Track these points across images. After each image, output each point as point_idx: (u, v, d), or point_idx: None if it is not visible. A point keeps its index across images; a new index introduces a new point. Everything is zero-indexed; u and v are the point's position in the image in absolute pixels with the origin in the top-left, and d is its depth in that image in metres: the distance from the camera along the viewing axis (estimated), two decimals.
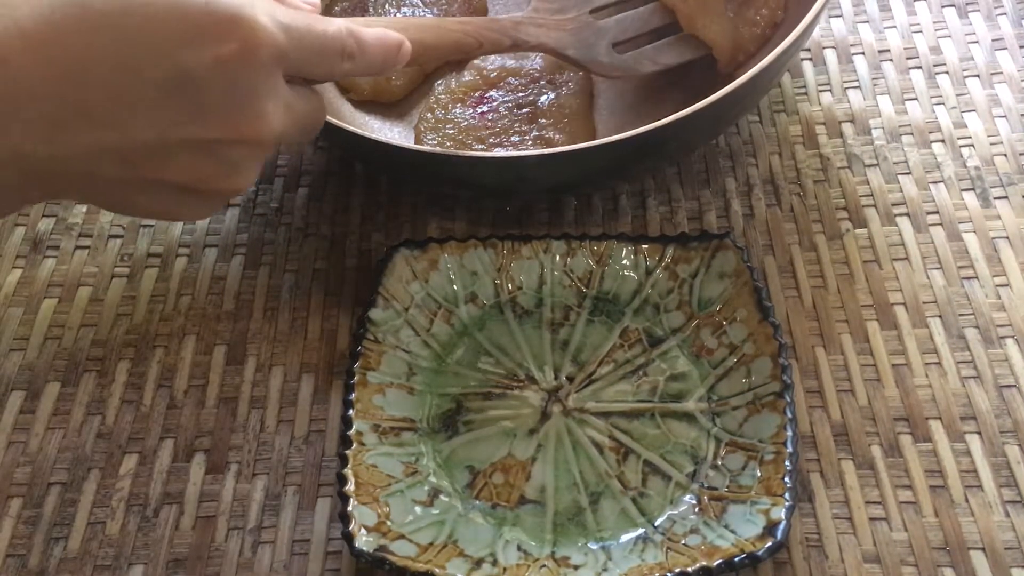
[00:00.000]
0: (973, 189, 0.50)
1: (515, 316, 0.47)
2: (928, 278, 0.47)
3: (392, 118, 0.55)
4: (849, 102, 0.54)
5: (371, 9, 0.57)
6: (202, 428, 0.45)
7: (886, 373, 0.45)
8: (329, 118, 0.45)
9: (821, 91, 0.55)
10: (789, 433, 0.40)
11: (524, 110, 0.52)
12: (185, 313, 0.49)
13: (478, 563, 0.39)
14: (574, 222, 0.51)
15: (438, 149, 0.50)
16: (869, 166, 0.52)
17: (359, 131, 0.47)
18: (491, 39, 0.47)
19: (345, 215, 0.52)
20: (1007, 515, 0.40)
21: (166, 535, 0.42)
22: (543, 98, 0.53)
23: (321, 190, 0.53)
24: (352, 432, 0.41)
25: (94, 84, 0.33)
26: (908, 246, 0.49)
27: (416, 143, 0.52)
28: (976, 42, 0.56)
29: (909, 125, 0.53)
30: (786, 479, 0.39)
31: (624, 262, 0.47)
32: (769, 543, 0.38)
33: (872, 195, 0.51)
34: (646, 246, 0.47)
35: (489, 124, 0.52)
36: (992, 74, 0.55)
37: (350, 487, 0.40)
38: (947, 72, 0.55)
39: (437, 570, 0.38)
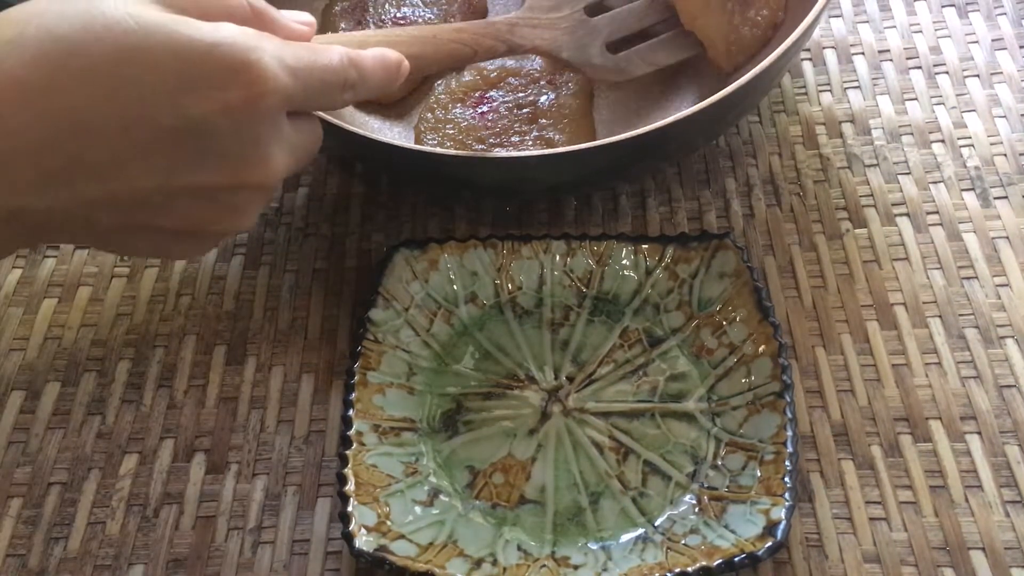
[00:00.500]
0: (973, 189, 0.50)
1: (515, 316, 0.47)
2: (928, 278, 0.47)
3: (392, 118, 0.55)
4: (849, 102, 0.54)
5: (371, 8, 0.58)
6: (202, 428, 0.45)
7: (886, 373, 0.45)
8: (329, 118, 0.45)
9: (821, 91, 0.55)
10: (789, 433, 0.40)
11: (524, 110, 0.52)
12: (185, 313, 0.49)
13: (478, 563, 0.39)
14: (574, 222, 0.51)
15: (438, 149, 0.50)
16: (869, 166, 0.52)
17: (359, 131, 0.47)
18: (486, 46, 0.47)
19: (345, 215, 0.52)
20: (1007, 515, 0.40)
21: (166, 535, 0.42)
22: (543, 98, 0.53)
23: (321, 190, 0.53)
24: (352, 432, 0.41)
25: (94, 135, 0.32)
26: (908, 246, 0.49)
27: (416, 143, 0.52)
28: (976, 42, 0.56)
29: (909, 125, 0.53)
30: (786, 479, 0.39)
31: (624, 262, 0.47)
32: (769, 543, 0.38)
33: (872, 195, 0.51)
34: (646, 246, 0.47)
35: (489, 124, 0.52)
36: (992, 74, 0.55)
37: (350, 487, 0.40)
38: (947, 72, 0.55)
39: (437, 570, 0.38)
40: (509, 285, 0.47)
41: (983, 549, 0.40)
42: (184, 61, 0.33)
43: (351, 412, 0.42)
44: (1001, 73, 0.54)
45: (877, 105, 0.54)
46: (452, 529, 0.40)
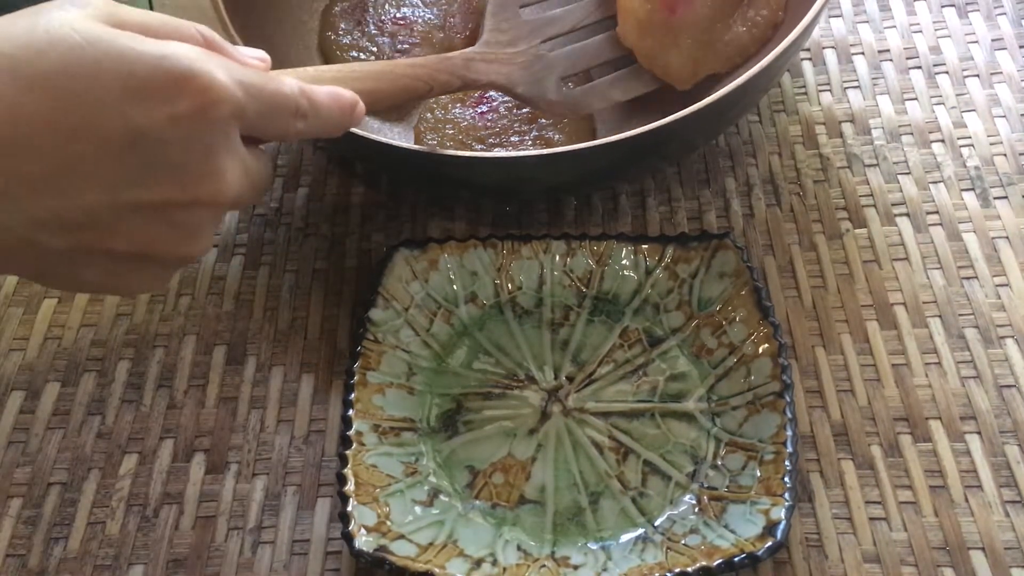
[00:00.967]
0: (973, 189, 0.50)
1: (515, 316, 0.47)
2: (928, 278, 0.47)
3: (392, 118, 0.55)
4: (849, 102, 0.54)
5: (371, 8, 0.58)
6: (202, 428, 0.45)
7: (886, 373, 0.45)
8: None
9: (821, 91, 0.55)
10: (789, 433, 0.40)
11: (524, 110, 0.52)
12: (185, 313, 0.49)
13: (478, 563, 0.39)
14: (574, 222, 0.51)
15: (438, 149, 0.50)
16: (869, 166, 0.52)
17: (359, 131, 0.47)
18: (441, 81, 0.46)
19: (345, 215, 0.52)
20: (1007, 515, 0.40)
21: (166, 535, 0.42)
22: None
23: (321, 190, 0.53)
24: (352, 432, 0.41)
25: (37, 150, 0.31)
26: (908, 246, 0.49)
27: (416, 143, 0.52)
28: (976, 42, 0.56)
29: (909, 125, 0.53)
30: (786, 479, 0.39)
31: (624, 262, 0.47)
32: (769, 543, 0.38)
33: (872, 195, 0.51)
34: (646, 246, 0.47)
35: (489, 124, 0.52)
36: (992, 74, 0.55)
37: (350, 487, 0.40)
38: (947, 72, 0.55)
39: (437, 570, 0.38)
40: (509, 285, 0.47)
41: (983, 549, 0.40)
42: (131, 72, 0.32)
43: (351, 412, 0.42)
44: (1001, 73, 0.55)
45: (877, 105, 0.54)
46: (452, 529, 0.40)
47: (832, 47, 0.57)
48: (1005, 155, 0.51)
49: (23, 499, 0.43)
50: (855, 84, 0.55)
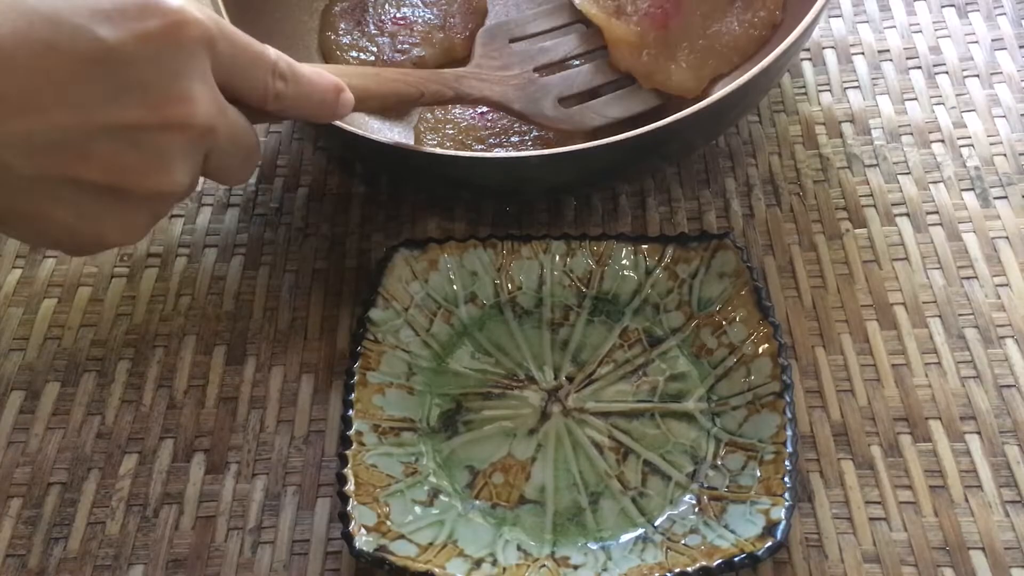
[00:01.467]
0: (973, 189, 0.50)
1: (515, 316, 0.47)
2: (928, 278, 0.47)
3: (392, 118, 0.55)
4: (849, 102, 0.54)
5: (371, 8, 0.58)
6: (202, 428, 0.45)
7: (886, 373, 0.45)
8: None
9: (821, 91, 0.55)
10: (789, 433, 0.40)
11: None
12: (185, 313, 0.49)
13: (478, 563, 0.39)
14: (574, 222, 0.51)
15: (438, 149, 0.50)
16: (869, 166, 0.52)
17: (359, 131, 0.47)
18: (432, 90, 0.46)
19: (345, 215, 0.52)
20: (1007, 515, 0.40)
21: (166, 535, 0.42)
22: None
23: (321, 190, 0.53)
24: (352, 432, 0.41)
25: (5, 67, 0.31)
26: (908, 246, 0.49)
27: (416, 143, 0.52)
28: (976, 42, 0.56)
29: (909, 125, 0.53)
30: (786, 479, 0.39)
31: (624, 262, 0.47)
32: (769, 543, 0.38)
33: (872, 195, 0.51)
34: (646, 246, 0.47)
35: (489, 124, 0.52)
36: (992, 74, 0.55)
37: (350, 487, 0.40)
38: (947, 72, 0.55)
39: (437, 570, 0.38)
40: (509, 285, 0.47)
41: (983, 549, 0.40)
42: None
43: (351, 412, 0.42)
44: (1001, 73, 0.55)
45: (877, 105, 0.54)
46: (452, 529, 0.40)
47: (832, 47, 0.57)
48: (1005, 155, 0.51)
49: (23, 499, 0.43)
50: (855, 84, 0.55)
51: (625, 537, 0.40)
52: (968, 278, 0.47)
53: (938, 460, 0.42)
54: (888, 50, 0.56)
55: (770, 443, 0.41)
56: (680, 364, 0.45)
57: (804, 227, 0.50)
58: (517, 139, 0.51)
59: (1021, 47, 0.56)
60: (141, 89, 0.33)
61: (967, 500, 0.41)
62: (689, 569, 0.37)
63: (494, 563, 0.39)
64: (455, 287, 0.47)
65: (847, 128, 0.53)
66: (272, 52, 0.38)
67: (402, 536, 0.39)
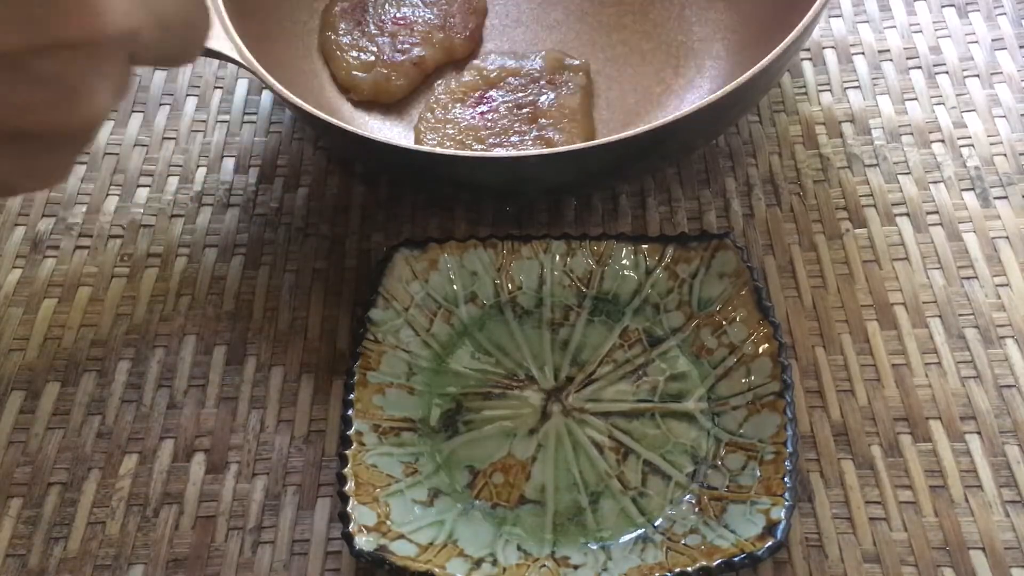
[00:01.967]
0: (973, 189, 0.50)
1: (515, 316, 0.47)
2: (928, 278, 0.47)
3: (392, 118, 0.55)
4: (849, 102, 0.54)
5: (371, 8, 0.58)
6: (202, 428, 0.45)
7: (886, 373, 0.45)
8: (329, 118, 0.45)
9: (821, 91, 0.55)
10: (789, 433, 0.40)
11: (524, 110, 0.52)
12: (185, 313, 0.49)
13: (478, 563, 0.39)
14: (574, 222, 0.51)
15: (438, 149, 0.50)
16: (869, 166, 0.52)
17: (359, 131, 0.47)
18: None
19: (345, 215, 0.52)
20: (1007, 515, 0.40)
21: (166, 535, 0.42)
22: (543, 98, 0.53)
23: (321, 190, 0.53)
24: (352, 432, 0.41)
25: None
26: (908, 246, 0.49)
27: (416, 143, 0.52)
28: (976, 42, 0.56)
29: (909, 125, 0.53)
30: (786, 479, 0.39)
31: (624, 262, 0.47)
32: (769, 543, 0.38)
33: (872, 195, 0.51)
34: (646, 246, 0.47)
35: (489, 124, 0.52)
36: (992, 74, 0.55)
37: (350, 487, 0.40)
38: (947, 72, 0.55)
39: (437, 570, 0.38)
40: (509, 285, 0.47)
41: (983, 549, 0.40)
42: None
43: (351, 412, 0.42)
44: (1001, 73, 0.54)
45: (877, 105, 0.54)
46: (452, 529, 0.40)
47: (832, 47, 0.57)
48: (1005, 155, 0.51)
49: (23, 499, 0.43)
50: (855, 84, 0.55)
51: (625, 537, 0.40)
52: (968, 278, 0.47)
53: (938, 460, 0.42)
54: (888, 50, 0.56)
55: (770, 443, 0.41)
56: (680, 364, 0.45)
57: (804, 227, 0.50)
58: (517, 139, 0.51)
59: (1021, 47, 0.56)
60: (25, 7, 0.26)
61: (967, 500, 0.41)
62: (689, 569, 0.37)
63: (494, 563, 0.39)
64: (455, 287, 0.47)
65: (847, 128, 0.53)
66: None
67: (402, 536, 0.39)
